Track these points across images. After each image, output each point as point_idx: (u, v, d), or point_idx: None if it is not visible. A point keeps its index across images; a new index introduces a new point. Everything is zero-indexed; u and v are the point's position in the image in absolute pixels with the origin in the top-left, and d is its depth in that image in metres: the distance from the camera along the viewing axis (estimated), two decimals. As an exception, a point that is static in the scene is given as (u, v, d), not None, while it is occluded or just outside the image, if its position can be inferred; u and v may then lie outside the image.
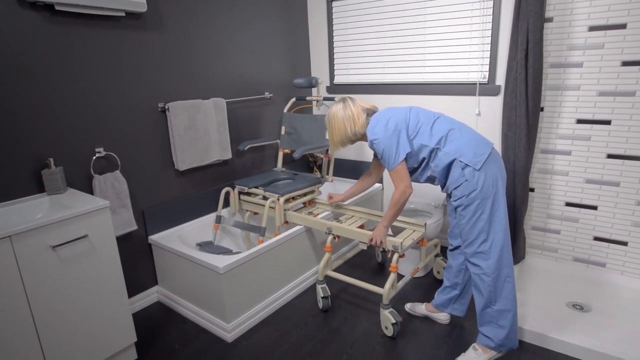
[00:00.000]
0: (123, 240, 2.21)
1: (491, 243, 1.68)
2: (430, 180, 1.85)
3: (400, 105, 2.93)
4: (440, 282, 2.48)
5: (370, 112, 1.88)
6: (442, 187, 1.84)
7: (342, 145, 1.93)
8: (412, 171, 1.84)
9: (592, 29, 2.15)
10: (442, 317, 2.10)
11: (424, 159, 1.77)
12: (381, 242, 1.97)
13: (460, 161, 1.68)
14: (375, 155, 2.07)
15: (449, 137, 1.73)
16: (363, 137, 1.90)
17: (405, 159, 1.76)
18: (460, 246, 1.91)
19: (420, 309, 2.16)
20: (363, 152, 3.24)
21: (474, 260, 1.73)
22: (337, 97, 1.92)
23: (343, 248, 2.88)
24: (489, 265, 1.69)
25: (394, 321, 1.96)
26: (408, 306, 2.20)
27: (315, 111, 3.41)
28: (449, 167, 1.73)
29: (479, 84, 2.54)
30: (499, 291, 1.71)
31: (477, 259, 1.72)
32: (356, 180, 3.29)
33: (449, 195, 1.83)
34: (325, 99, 2.80)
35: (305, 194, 2.58)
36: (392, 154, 1.75)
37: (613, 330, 1.92)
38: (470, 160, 1.67)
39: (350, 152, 3.31)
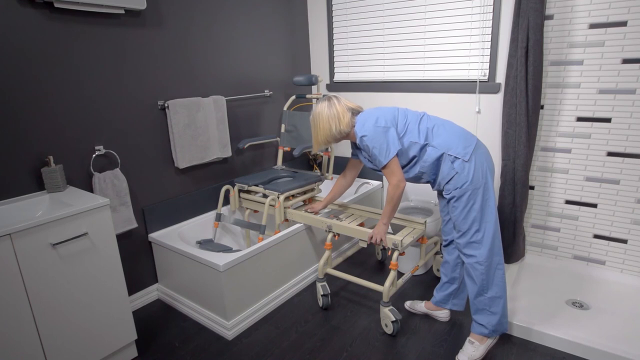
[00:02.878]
0: (123, 238, 2.21)
1: (484, 232, 1.74)
2: (417, 178, 1.87)
3: (399, 103, 2.94)
4: (439, 279, 2.48)
5: (355, 112, 1.90)
6: (433, 185, 1.87)
7: (326, 144, 1.93)
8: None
9: (593, 26, 2.15)
10: (442, 314, 2.10)
11: (414, 156, 1.80)
12: (381, 239, 1.97)
13: (449, 155, 1.73)
14: (352, 154, 2.08)
15: (435, 132, 1.78)
16: (347, 136, 1.91)
17: (397, 156, 1.78)
18: (454, 240, 1.93)
19: (419, 306, 2.16)
20: (363, 150, 3.24)
21: (467, 250, 1.78)
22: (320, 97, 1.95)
23: (343, 246, 2.88)
24: (481, 253, 1.75)
25: (393, 319, 1.97)
26: (408, 304, 2.21)
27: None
28: (437, 161, 1.77)
29: (479, 81, 2.54)
30: (491, 279, 1.77)
31: (470, 249, 1.77)
32: (356, 178, 3.29)
33: (440, 192, 1.87)
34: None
35: (305, 192, 2.58)
36: (383, 150, 1.77)
37: (613, 327, 1.92)
38: (459, 153, 1.72)
39: (350, 150, 3.31)
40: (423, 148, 1.78)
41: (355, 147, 2.03)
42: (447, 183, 1.76)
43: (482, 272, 1.76)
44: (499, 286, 1.78)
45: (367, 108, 1.92)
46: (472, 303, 1.84)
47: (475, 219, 1.73)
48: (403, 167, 1.85)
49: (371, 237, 1.99)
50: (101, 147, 2.06)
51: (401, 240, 1.97)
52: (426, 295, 2.33)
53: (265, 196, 2.50)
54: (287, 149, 2.88)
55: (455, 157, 1.72)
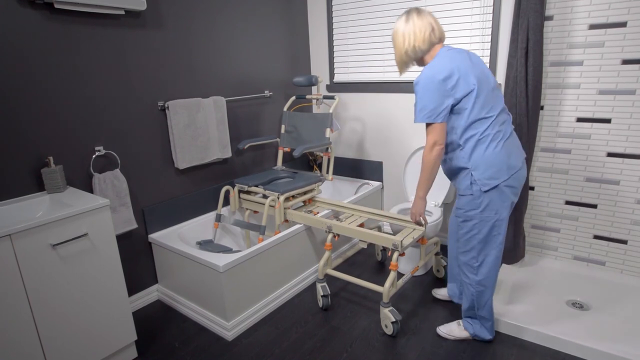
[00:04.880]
0: (123, 239, 2.21)
1: (481, 262, 1.75)
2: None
3: (399, 103, 2.93)
4: (440, 280, 2.48)
5: (441, 33, 1.64)
6: (450, 179, 1.81)
7: (404, 65, 1.70)
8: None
9: (593, 27, 2.15)
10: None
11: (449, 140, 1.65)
12: (420, 216, 1.85)
13: (472, 174, 1.61)
14: None
15: (478, 146, 1.58)
16: (422, 61, 1.67)
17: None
18: None
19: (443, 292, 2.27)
20: (364, 151, 3.24)
21: (464, 269, 1.83)
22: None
23: (343, 246, 2.88)
24: (475, 279, 1.78)
25: (393, 320, 1.97)
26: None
27: (315, 109, 3.41)
28: (460, 170, 1.66)
29: (479, 82, 2.54)
30: (481, 304, 1.83)
31: (466, 270, 1.81)
32: (356, 179, 3.29)
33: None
34: (325, 97, 2.80)
35: (305, 193, 2.58)
36: (422, 110, 1.57)
37: (613, 328, 1.92)
38: (480, 180, 1.59)
39: (350, 151, 3.31)
40: (457, 145, 1.62)
41: None
42: (461, 195, 1.70)
43: (473, 294, 1.82)
44: (488, 312, 1.85)
45: (450, 50, 1.64)
46: (463, 311, 1.93)
47: (475, 247, 1.73)
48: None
49: (412, 216, 1.88)
50: (101, 148, 2.06)
51: (401, 241, 1.97)
52: (426, 296, 2.33)
53: (265, 197, 2.50)
54: (287, 149, 2.88)
55: (475, 180, 1.60)
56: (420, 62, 1.71)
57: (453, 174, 1.72)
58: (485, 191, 1.59)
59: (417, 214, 1.85)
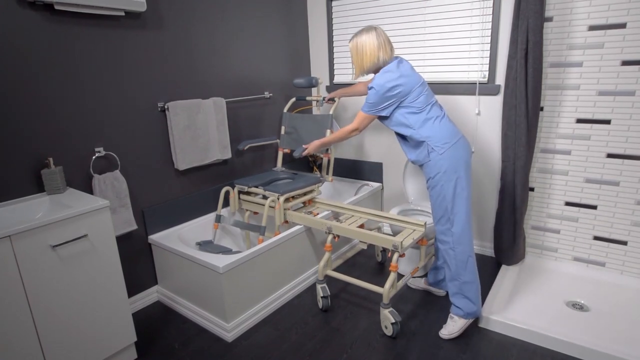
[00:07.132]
0: (123, 240, 2.21)
1: (453, 222, 1.92)
2: (405, 140, 2.04)
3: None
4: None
5: (393, 48, 2.00)
6: (412, 155, 2.03)
7: (367, 72, 2.01)
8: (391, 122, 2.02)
9: (592, 28, 2.15)
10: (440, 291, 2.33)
11: (402, 131, 1.98)
12: (307, 153, 2.29)
13: (427, 144, 1.90)
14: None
15: (426, 125, 1.91)
16: (378, 70, 1.99)
17: (384, 117, 1.99)
18: None
19: (419, 282, 2.38)
20: (363, 152, 3.24)
21: (441, 237, 1.97)
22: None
23: (343, 247, 2.88)
24: (453, 240, 1.93)
25: (393, 321, 1.97)
26: (410, 280, 2.39)
27: (315, 111, 3.41)
28: (419, 144, 1.94)
29: (479, 83, 2.54)
30: (462, 265, 1.94)
31: (444, 236, 1.96)
32: (356, 180, 3.30)
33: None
34: (325, 98, 2.80)
35: (305, 194, 2.58)
36: (372, 105, 1.95)
37: (613, 329, 1.92)
38: (437, 145, 1.89)
39: (350, 152, 3.31)
40: (412, 127, 1.93)
41: None
42: (422, 166, 1.96)
43: (454, 257, 1.94)
44: (471, 272, 1.94)
45: (402, 59, 1.99)
46: (448, 287, 2.01)
47: (447, 208, 1.91)
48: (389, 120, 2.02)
49: (305, 149, 2.30)
50: (101, 149, 2.06)
51: (401, 242, 1.97)
52: (425, 296, 2.33)
53: (265, 198, 2.50)
54: (287, 150, 2.88)
55: (433, 148, 1.89)
56: (378, 70, 2.00)
57: (414, 148, 1.97)
58: (441, 153, 1.87)
59: (311, 151, 2.29)
